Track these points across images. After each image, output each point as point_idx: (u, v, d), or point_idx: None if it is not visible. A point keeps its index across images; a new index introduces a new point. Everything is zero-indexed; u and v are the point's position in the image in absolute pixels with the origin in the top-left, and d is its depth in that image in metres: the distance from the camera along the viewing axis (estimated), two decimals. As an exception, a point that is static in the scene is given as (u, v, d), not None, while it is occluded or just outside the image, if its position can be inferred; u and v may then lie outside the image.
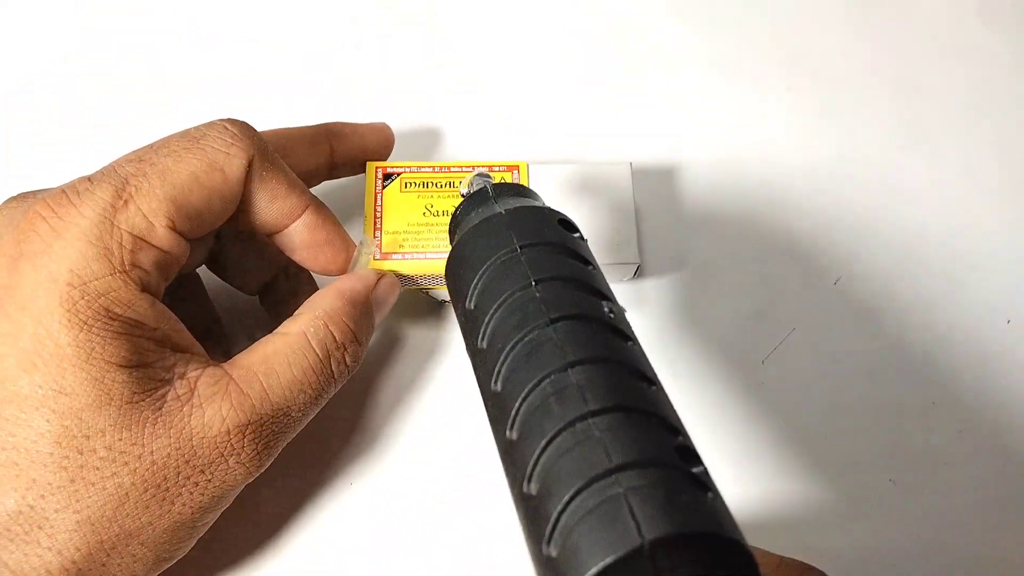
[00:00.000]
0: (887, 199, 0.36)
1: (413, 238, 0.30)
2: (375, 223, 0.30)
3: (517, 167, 0.32)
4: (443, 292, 0.33)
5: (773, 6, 0.40)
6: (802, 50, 0.39)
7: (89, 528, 0.22)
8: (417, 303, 0.34)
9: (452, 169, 0.31)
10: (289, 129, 0.30)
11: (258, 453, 0.24)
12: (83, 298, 0.22)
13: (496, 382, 0.20)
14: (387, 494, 0.30)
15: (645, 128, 0.38)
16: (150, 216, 0.24)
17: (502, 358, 0.20)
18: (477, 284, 0.22)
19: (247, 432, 0.24)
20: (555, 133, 0.37)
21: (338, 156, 0.31)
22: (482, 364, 0.21)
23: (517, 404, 0.19)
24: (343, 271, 0.29)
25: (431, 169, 0.31)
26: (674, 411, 0.19)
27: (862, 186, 0.36)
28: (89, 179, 0.24)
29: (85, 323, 0.22)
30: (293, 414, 0.25)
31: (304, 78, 0.38)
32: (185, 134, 0.26)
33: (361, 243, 0.29)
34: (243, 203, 0.27)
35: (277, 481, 0.30)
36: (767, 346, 0.33)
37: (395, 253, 0.30)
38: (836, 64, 0.39)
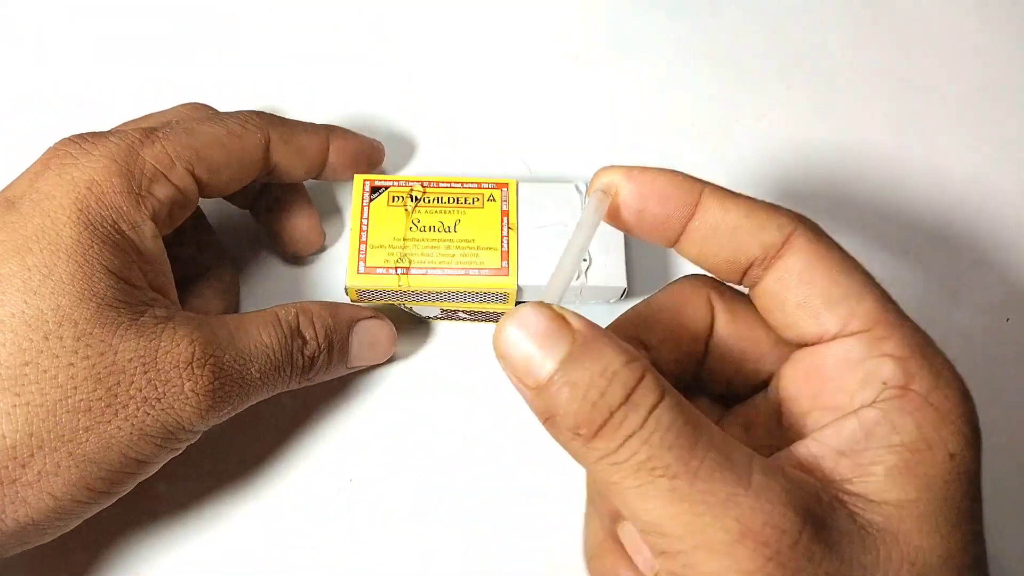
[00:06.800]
0: (886, 197, 0.36)
1: (399, 252, 0.30)
2: (360, 236, 0.30)
3: (506, 185, 0.31)
4: (427, 309, 0.32)
5: (772, 4, 0.41)
6: (801, 48, 0.39)
7: (23, 413, 0.21)
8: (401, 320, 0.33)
9: (441, 184, 0.31)
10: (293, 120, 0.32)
11: (213, 391, 0.24)
12: (97, 203, 0.24)
13: None
14: (386, 491, 0.30)
15: (642, 127, 0.37)
16: (173, 155, 0.26)
17: None
18: None
19: (208, 362, 0.24)
20: (548, 141, 0.37)
21: (332, 153, 0.32)
22: None
23: None
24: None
25: (419, 184, 0.31)
26: None
27: (861, 184, 0.36)
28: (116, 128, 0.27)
29: (91, 223, 0.24)
30: (253, 371, 0.25)
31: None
32: (202, 110, 0.29)
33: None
34: (276, 169, 0.30)
35: (275, 477, 0.30)
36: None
37: (379, 267, 0.29)
38: (835, 62, 0.39)
